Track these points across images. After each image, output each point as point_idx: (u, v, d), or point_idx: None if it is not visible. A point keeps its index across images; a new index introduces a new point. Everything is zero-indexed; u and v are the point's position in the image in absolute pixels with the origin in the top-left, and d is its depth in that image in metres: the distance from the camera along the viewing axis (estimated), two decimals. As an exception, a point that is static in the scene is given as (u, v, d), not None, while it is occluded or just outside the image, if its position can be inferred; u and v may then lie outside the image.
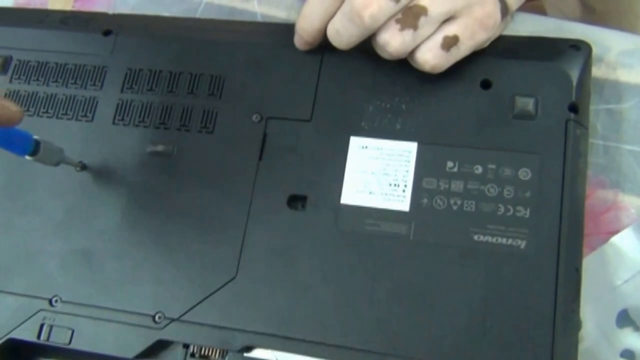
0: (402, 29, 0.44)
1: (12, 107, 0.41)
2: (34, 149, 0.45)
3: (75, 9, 0.62)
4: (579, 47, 0.48)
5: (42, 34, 0.56)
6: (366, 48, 0.47)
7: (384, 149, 0.47)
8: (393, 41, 0.44)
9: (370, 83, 0.49)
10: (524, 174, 0.45)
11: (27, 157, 0.45)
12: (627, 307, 0.45)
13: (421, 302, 0.43)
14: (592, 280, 0.46)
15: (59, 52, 0.55)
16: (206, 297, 0.46)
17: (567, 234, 0.43)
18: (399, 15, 0.44)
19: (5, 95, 0.53)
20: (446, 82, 0.48)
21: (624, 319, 0.45)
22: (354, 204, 0.46)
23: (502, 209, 0.44)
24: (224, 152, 0.49)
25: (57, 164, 0.47)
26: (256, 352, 0.45)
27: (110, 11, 0.58)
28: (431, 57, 0.45)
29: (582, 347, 0.44)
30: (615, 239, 0.47)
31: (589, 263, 0.46)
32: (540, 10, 0.67)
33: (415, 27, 0.44)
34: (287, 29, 0.52)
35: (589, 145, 0.47)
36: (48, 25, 0.56)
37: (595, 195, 0.48)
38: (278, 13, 0.58)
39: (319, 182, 0.47)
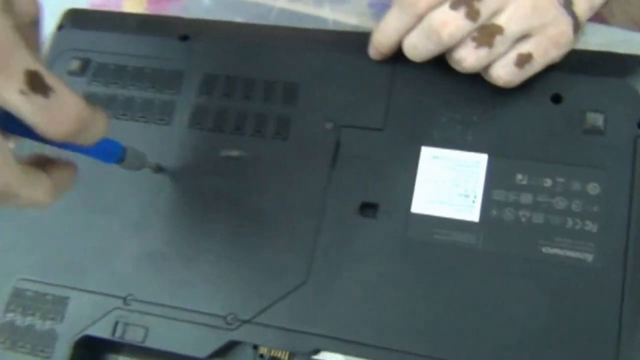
0: (477, 46, 0.45)
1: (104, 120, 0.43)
2: (121, 156, 0.46)
3: (148, 11, 0.64)
4: (649, 63, 0.49)
5: (120, 38, 0.58)
6: (439, 59, 0.49)
7: (455, 159, 0.49)
8: (469, 58, 0.46)
9: (443, 94, 0.50)
10: (593, 188, 0.46)
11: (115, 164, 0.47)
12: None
13: (488, 312, 0.45)
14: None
15: (136, 55, 0.57)
16: (277, 301, 0.47)
17: (634, 248, 0.44)
18: (475, 33, 0.45)
19: (84, 96, 0.55)
20: (518, 96, 0.49)
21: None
22: (424, 213, 0.48)
23: (570, 222, 0.46)
24: (297, 159, 0.51)
25: (139, 169, 0.49)
26: (323, 355, 0.47)
27: (184, 14, 0.60)
28: (504, 73, 0.47)
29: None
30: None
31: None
32: (606, 15, 0.67)
33: (490, 45, 0.45)
34: (359, 37, 0.53)
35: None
36: (125, 29, 0.58)
37: (662, 211, 0.49)
38: (350, 20, 0.59)
39: (390, 190, 0.49)
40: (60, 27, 0.59)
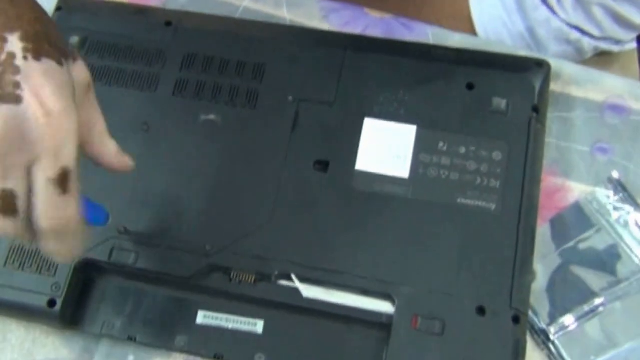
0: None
1: (129, 161, 0.53)
2: (105, 220, 0.57)
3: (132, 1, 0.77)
4: (541, 64, 0.66)
5: (111, 21, 0.71)
6: (383, 50, 0.65)
7: (391, 129, 0.63)
8: None
9: (382, 78, 0.65)
10: (497, 155, 0.62)
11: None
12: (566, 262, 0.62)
13: (415, 246, 0.59)
14: (543, 243, 0.62)
15: (127, 36, 0.70)
16: (246, 235, 0.61)
17: (526, 202, 0.60)
18: None
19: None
20: (440, 83, 0.65)
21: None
22: (366, 170, 0.62)
23: (479, 180, 0.61)
24: (263, 125, 0.65)
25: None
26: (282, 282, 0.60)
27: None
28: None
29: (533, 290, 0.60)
30: (562, 213, 0.64)
31: (542, 231, 0.63)
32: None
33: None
34: (313, 32, 0.70)
35: (546, 144, 0.64)
36: (116, 14, 0.72)
37: (549, 180, 0.65)
38: (304, 20, 0.74)
39: (339, 151, 0.63)
40: (58, 9, 0.72)
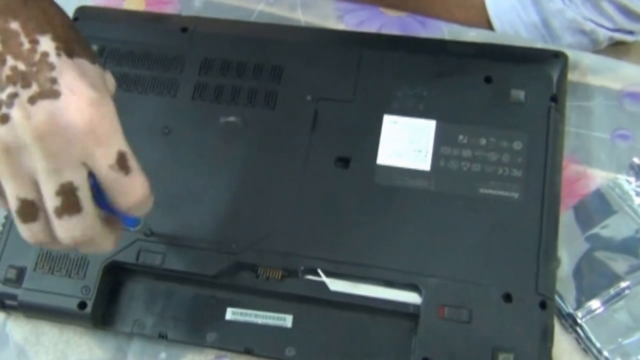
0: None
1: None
2: (137, 223, 0.58)
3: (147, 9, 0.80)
4: (558, 56, 0.68)
5: (128, 29, 0.74)
6: (399, 46, 0.67)
7: (410, 124, 0.66)
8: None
9: (400, 74, 0.68)
10: (517, 145, 0.64)
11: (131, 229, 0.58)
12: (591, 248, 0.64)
13: (439, 236, 0.61)
14: (567, 229, 0.64)
15: (144, 43, 0.72)
16: (272, 232, 0.63)
17: (549, 189, 0.62)
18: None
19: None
20: (458, 77, 0.67)
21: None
22: (387, 164, 0.64)
23: (501, 170, 0.63)
24: (283, 125, 0.67)
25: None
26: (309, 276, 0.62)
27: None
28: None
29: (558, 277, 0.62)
30: (585, 200, 0.66)
31: (566, 218, 0.65)
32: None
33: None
34: (329, 32, 0.73)
35: (565, 132, 0.66)
36: (132, 23, 0.75)
37: (570, 168, 0.67)
38: (319, 21, 0.77)
39: (359, 147, 0.65)
40: (74, 20, 0.74)
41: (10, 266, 0.64)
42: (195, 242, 0.64)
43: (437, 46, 0.70)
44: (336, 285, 0.61)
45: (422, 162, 0.64)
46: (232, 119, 0.68)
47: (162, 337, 0.63)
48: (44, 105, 0.43)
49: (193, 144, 0.67)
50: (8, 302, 0.64)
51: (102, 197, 0.48)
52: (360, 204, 0.63)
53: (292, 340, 0.61)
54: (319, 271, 0.61)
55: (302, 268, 0.62)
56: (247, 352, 0.61)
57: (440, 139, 0.65)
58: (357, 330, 0.61)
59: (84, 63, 0.46)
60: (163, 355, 0.64)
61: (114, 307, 0.64)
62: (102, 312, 0.63)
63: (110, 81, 0.50)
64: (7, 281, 0.64)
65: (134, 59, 0.72)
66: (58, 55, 0.45)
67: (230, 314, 0.63)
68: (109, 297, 0.64)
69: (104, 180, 0.46)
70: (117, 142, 0.46)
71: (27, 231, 0.47)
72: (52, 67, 0.44)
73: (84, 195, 0.46)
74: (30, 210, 0.46)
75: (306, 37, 0.73)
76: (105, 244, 0.50)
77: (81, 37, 0.49)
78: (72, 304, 0.62)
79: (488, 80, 0.67)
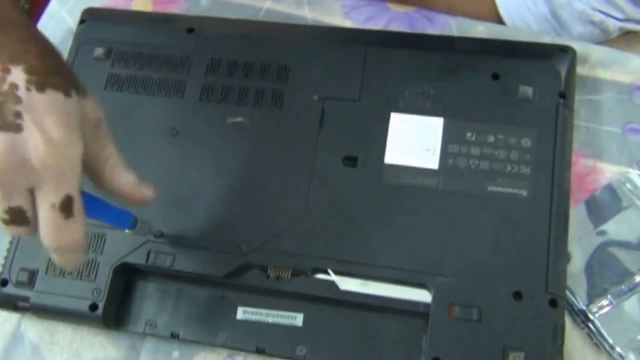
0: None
1: (147, 192, 0.55)
2: (133, 225, 0.60)
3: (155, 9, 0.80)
4: (566, 51, 0.68)
5: (135, 30, 0.74)
6: (405, 44, 0.68)
7: (417, 122, 0.66)
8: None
9: (406, 72, 0.68)
10: (525, 142, 0.64)
11: (127, 231, 0.60)
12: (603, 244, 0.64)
13: (448, 235, 0.62)
14: (578, 225, 0.65)
15: (151, 44, 0.73)
16: (280, 232, 0.64)
17: (558, 186, 0.62)
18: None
19: (108, 76, 0.71)
20: (465, 73, 0.67)
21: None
22: (395, 163, 0.65)
23: (509, 167, 0.63)
24: (291, 124, 0.68)
25: (146, 235, 0.63)
26: (319, 275, 0.63)
27: (185, 13, 0.78)
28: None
29: (569, 273, 0.63)
30: (595, 195, 0.66)
31: (576, 213, 0.65)
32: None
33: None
34: (334, 30, 0.73)
35: (575, 126, 0.67)
36: (139, 24, 0.75)
37: (580, 163, 0.67)
38: (325, 18, 0.77)
39: (367, 146, 0.66)
40: (82, 22, 0.75)
41: (22, 269, 0.66)
42: (204, 243, 0.64)
43: (443, 43, 0.70)
44: (346, 284, 0.62)
45: (430, 160, 0.65)
46: (239, 119, 0.68)
47: (174, 336, 0.64)
48: (3, 137, 0.45)
49: (201, 145, 0.68)
50: (20, 304, 0.65)
51: (92, 208, 0.50)
52: (368, 203, 0.64)
53: (303, 339, 0.62)
54: (329, 270, 0.62)
55: (311, 267, 0.63)
56: (259, 351, 0.62)
57: (448, 137, 0.65)
58: (368, 329, 0.62)
59: (57, 97, 0.47)
60: (176, 353, 0.65)
61: (125, 308, 0.65)
62: (113, 313, 0.65)
63: (92, 111, 0.51)
64: (19, 283, 0.65)
65: (141, 61, 0.72)
66: (28, 89, 0.46)
67: (241, 313, 0.63)
68: (120, 298, 0.65)
69: (42, 214, 0.47)
70: (68, 186, 0.47)
71: None
72: (18, 100, 0.45)
73: (32, 215, 0.47)
74: None
75: (311, 36, 0.73)
76: (63, 262, 0.51)
77: (61, 66, 0.50)
78: (84, 306, 0.63)
79: (495, 76, 0.67)
